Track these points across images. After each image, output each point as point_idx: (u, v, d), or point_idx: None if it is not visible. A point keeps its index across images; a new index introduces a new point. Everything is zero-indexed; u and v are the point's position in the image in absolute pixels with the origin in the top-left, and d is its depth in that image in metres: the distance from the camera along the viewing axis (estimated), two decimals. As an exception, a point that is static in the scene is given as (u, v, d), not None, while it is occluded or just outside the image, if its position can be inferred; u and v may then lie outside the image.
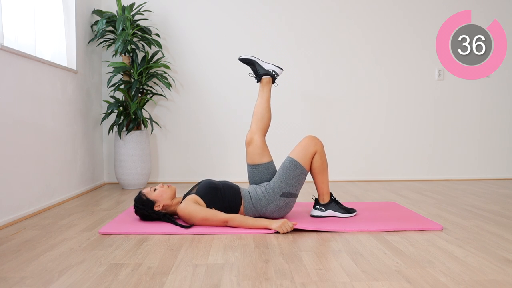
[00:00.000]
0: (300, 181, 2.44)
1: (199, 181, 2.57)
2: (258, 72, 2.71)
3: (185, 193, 2.48)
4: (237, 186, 2.48)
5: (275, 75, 2.72)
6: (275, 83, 2.76)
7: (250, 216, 2.41)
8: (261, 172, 2.52)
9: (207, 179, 2.51)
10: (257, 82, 2.73)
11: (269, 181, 2.51)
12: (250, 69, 2.76)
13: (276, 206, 2.40)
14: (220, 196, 2.37)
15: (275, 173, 2.53)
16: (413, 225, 2.31)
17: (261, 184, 2.49)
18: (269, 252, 1.90)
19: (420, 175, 4.26)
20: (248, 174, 2.57)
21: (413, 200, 3.15)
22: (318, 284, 1.53)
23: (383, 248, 1.94)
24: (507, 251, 1.89)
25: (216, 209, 2.34)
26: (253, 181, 2.55)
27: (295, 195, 2.44)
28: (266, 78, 2.71)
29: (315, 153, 2.46)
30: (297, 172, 2.41)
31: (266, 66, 2.71)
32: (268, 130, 2.72)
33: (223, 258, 1.82)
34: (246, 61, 2.73)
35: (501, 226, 2.34)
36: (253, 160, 2.54)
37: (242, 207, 2.41)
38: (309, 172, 2.51)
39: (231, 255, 1.86)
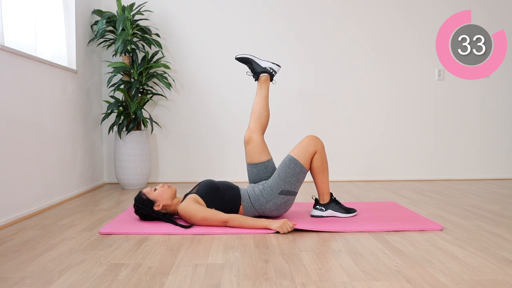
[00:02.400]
0: (299, 180, 2.44)
1: (199, 181, 2.57)
2: (256, 70, 2.70)
3: (185, 193, 2.48)
4: (237, 186, 2.48)
5: (273, 73, 2.71)
6: (273, 81, 2.75)
7: (250, 216, 2.41)
8: (260, 170, 2.52)
9: (208, 179, 2.52)
10: (255, 80, 2.72)
11: (268, 179, 2.51)
12: (248, 67, 2.74)
13: (275, 204, 2.40)
14: (220, 196, 2.38)
15: (274, 171, 2.53)
16: (413, 225, 2.31)
17: (259, 183, 2.49)
18: (269, 252, 1.90)
19: (420, 175, 4.26)
20: (247, 173, 2.57)
21: (413, 200, 3.15)
22: (318, 284, 1.53)
23: (383, 248, 1.94)
24: (507, 251, 1.89)
25: (216, 209, 2.35)
26: (252, 179, 2.55)
27: (294, 193, 2.44)
28: (264, 76, 2.70)
29: (315, 153, 2.45)
30: (296, 170, 2.41)
31: (263, 64, 2.70)
32: (268, 130, 2.72)
33: (223, 258, 1.82)
34: (243, 60, 2.72)
35: (501, 226, 2.34)
36: (252, 159, 2.54)
37: (241, 207, 2.41)
38: (309, 172, 2.51)
39: (231, 255, 1.86)
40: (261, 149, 2.54)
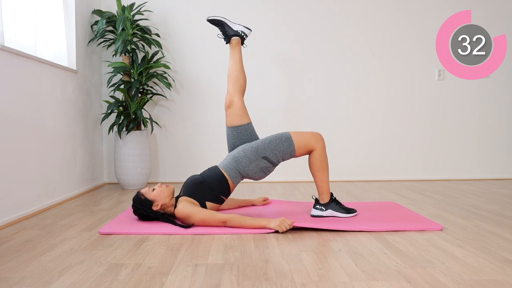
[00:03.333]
0: (284, 158, 2.48)
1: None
2: (227, 33, 2.74)
3: (176, 196, 2.48)
4: (215, 166, 2.51)
5: (244, 36, 2.75)
6: (244, 44, 2.79)
7: (237, 179, 2.46)
8: (241, 133, 2.55)
9: (189, 177, 2.52)
10: (226, 43, 2.76)
11: (248, 142, 2.54)
12: (219, 30, 2.77)
13: (257, 166, 2.44)
14: (207, 188, 2.39)
15: (254, 135, 2.57)
16: (413, 225, 2.31)
17: (236, 149, 2.52)
18: (269, 252, 1.90)
19: (420, 175, 4.26)
20: (227, 137, 2.60)
21: (413, 200, 3.15)
22: (318, 284, 1.53)
23: (383, 248, 1.94)
24: (507, 251, 1.89)
25: (210, 200, 2.37)
26: (232, 143, 2.58)
27: (274, 164, 2.49)
28: (235, 39, 2.73)
29: (313, 150, 2.48)
30: (287, 150, 2.45)
31: (235, 27, 2.74)
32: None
33: (223, 258, 1.82)
34: (215, 22, 2.75)
35: (501, 226, 2.34)
36: (233, 121, 2.57)
37: (229, 180, 2.43)
38: (309, 170, 2.53)
39: (231, 255, 1.86)
40: (242, 112, 2.58)
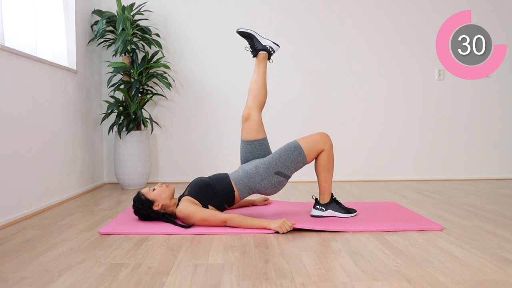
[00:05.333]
0: (297, 168, 2.46)
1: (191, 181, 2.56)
2: (256, 47, 2.71)
3: (179, 196, 2.48)
4: (225, 173, 2.49)
5: (272, 51, 2.73)
6: (270, 60, 2.77)
7: (245, 196, 2.44)
8: (255, 148, 2.53)
9: (197, 178, 2.52)
10: (253, 57, 2.74)
11: (260, 157, 2.52)
12: (248, 43, 2.75)
13: (269, 183, 2.42)
14: (213, 191, 2.39)
15: (268, 151, 2.55)
16: (413, 225, 2.31)
17: (249, 163, 2.50)
18: (269, 252, 1.90)
19: (420, 175, 4.26)
20: (241, 150, 2.58)
21: (413, 200, 3.15)
22: (318, 284, 1.53)
23: (383, 248, 1.94)
24: (507, 251, 1.89)
25: (212, 204, 2.36)
26: (245, 157, 2.56)
27: (288, 177, 2.46)
28: (262, 53, 2.71)
29: (322, 151, 2.46)
30: (298, 159, 2.43)
31: (264, 42, 2.72)
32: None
33: (223, 258, 1.82)
34: (245, 35, 2.72)
35: (501, 226, 2.34)
36: (249, 136, 2.55)
37: (236, 192, 2.42)
38: (314, 169, 2.52)
39: (231, 255, 1.86)
40: (259, 126, 2.56)
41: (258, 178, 2.41)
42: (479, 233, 2.20)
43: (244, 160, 2.57)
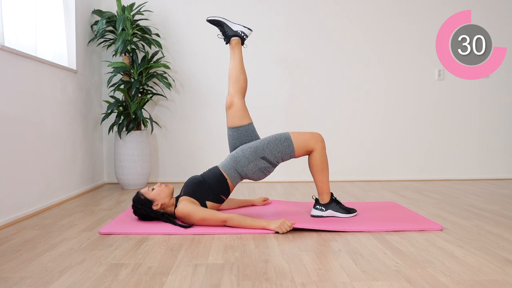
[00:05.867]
0: (284, 158, 2.47)
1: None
2: (227, 33, 2.73)
3: (176, 196, 2.48)
4: (215, 166, 2.51)
5: (244, 36, 2.74)
6: (244, 44, 2.78)
7: (237, 180, 2.46)
8: (241, 134, 2.54)
9: (189, 177, 2.53)
10: (226, 43, 2.75)
11: (248, 142, 2.53)
12: (219, 30, 2.76)
13: (255, 166, 2.44)
14: (207, 187, 2.40)
15: (255, 136, 2.56)
16: (413, 225, 2.31)
17: (237, 149, 2.51)
18: (269, 252, 1.90)
19: (420, 175, 4.26)
20: (228, 138, 2.60)
21: (413, 200, 3.15)
22: (318, 284, 1.53)
23: (383, 248, 1.94)
24: (507, 251, 1.89)
25: (210, 200, 2.37)
26: (233, 144, 2.57)
27: (274, 165, 2.48)
28: (235, 39, 2.72)
29: (313, 151, 2.47)
30: (286, 150, 2.44)
31: (235, 27, 2.72)
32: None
33: (223, 258, 1.82)
34: (214, 22, 2.74)
35: (501, 226, 2.34)
36: (233, 122, 2.56)
37: (228, 180, 2.43)
38: (309, 171, 2.52)
39: (231, 255, 1.86)
40: (242, 112, 2.57)
41: (244, 161, 2.43)
42: (479, 233, 2.20)
43: (232, 148, 2.59)
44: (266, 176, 2.52)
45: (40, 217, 2.62)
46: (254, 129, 2.60)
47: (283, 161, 2.50)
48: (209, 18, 2.74)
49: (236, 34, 2.72)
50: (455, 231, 2.24)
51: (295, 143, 2.45)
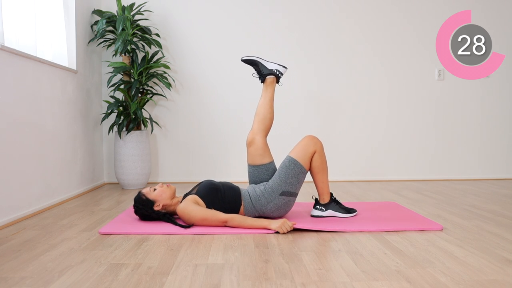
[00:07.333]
0: (300, 180, 2.44)
1: (200, 181, 2.56)
2: (262, 72, 2.67)
3: (185, 193, 2.48)
4: (238, 187, 2.48)
5: (279, 74, 2.68)
6: (279, 83, 2.72)
7: (250, 216, 2.41)
8: (261, 172, 2.52)
9: (208, 179, 2.51)
10: (261, 82, 2.69)
11: (267, 181, 2.50)
12: (254, 69, 2.72)
13: (275, 205, 2.40)
14: (221, 197, 2.37)
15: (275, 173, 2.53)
16: (413, 225, 2.31)
17: (260, 184, 2.49)
18: (269, 252, 1.90)
19: (420, 175, 4.26)
20: (248, 174, 2.57)
21: (413, 200, 3.15)
22: (318, 284, 1.53)
23: (383, 248, 1.94)
24: (507, 251, 1.89)
25: (216, 209, 2.34)
26: (253, 181, 2.55)
27: (295, 194, 2.44)
28: (270, 78, 2.67)
29: (315, 153, 2.46)
30: (296, 171, 2.41)
31: (270, 66, 2.67)
32: (271, 131, 2.70)
33: (223, 258, 1.82)
34: (249, 62, 2.69)
35: (501, 226, 2.34)
36: (254, 160, 2.53)
37: (242, 207, 2.41)
38: (309, 172, 2.51)
39: (231, 255, 1.86)
40: (263, 151, 2.54)
41: (264, 201, 2.40)
42: (479, 233, 2.20)
43: (252, 183, 2.56)
44: (288, 211, 2.48)
45: (40, 217, 2.62)
46: (275, 167, 2.55)
47: (300, 185, 2.44)
48: (243, 58, 2.69)
49: (271, 72, 2.66)
50: (455, 231, 2.24)
51: (299, 159, 2.42)
